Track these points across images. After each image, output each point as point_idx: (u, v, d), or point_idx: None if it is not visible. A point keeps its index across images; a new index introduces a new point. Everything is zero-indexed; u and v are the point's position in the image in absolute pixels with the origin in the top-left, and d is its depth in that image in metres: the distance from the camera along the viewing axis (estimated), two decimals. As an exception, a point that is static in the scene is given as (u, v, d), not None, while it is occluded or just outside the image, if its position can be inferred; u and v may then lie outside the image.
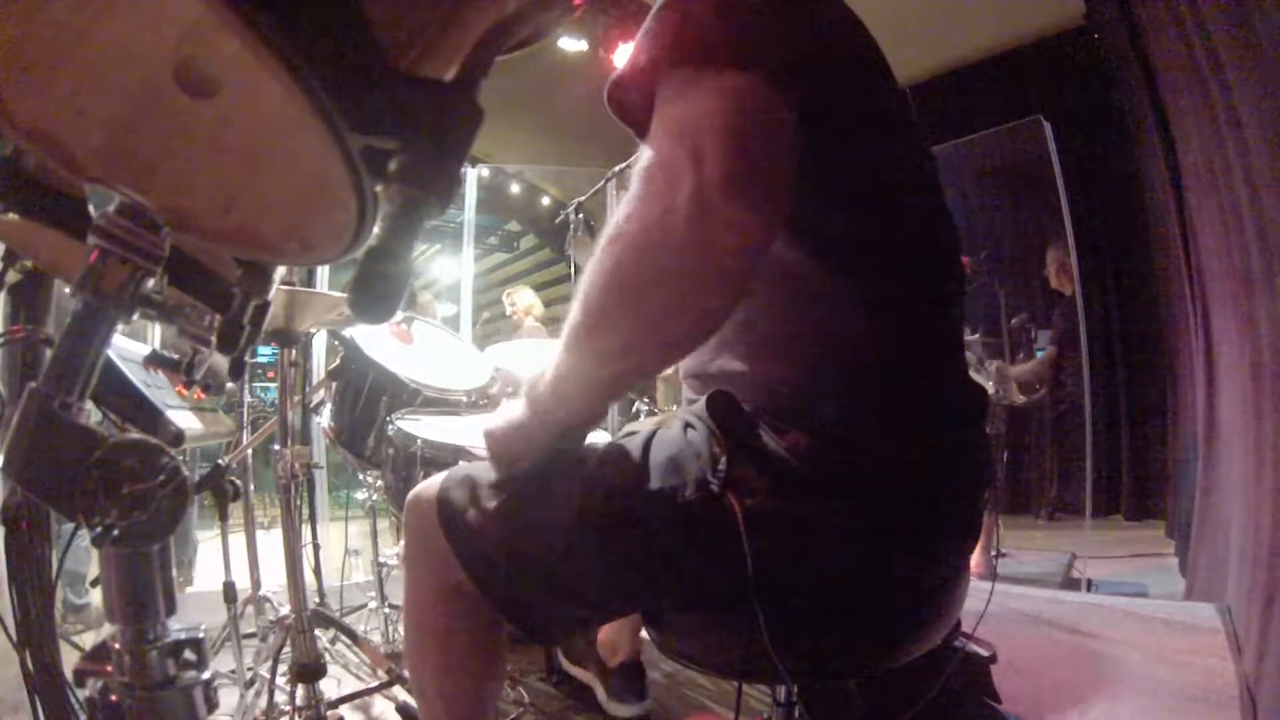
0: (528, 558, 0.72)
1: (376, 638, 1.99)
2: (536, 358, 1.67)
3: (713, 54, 0.61)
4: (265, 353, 3.52)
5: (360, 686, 1.68)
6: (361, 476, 2.15)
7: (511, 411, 0.73)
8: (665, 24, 0.63)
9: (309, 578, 2.07)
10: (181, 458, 0.45)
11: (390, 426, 1.51)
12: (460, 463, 1.13)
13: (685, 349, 0.66)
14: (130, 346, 0.96)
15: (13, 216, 0.58)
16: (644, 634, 1.51)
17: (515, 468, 0.74)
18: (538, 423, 0.71)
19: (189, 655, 0.49)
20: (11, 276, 0.78)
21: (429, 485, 0.81)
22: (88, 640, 1.67)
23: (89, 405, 0.43)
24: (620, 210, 0.61)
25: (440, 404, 1.74)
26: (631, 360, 0.64)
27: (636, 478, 0.69)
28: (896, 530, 0.67)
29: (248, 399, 2.38)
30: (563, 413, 0.69)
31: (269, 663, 1.51)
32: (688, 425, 0.71)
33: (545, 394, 0.69)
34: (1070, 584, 2.81)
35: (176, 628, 0.50)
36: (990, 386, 3.01)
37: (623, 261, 0.60)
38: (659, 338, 0.62)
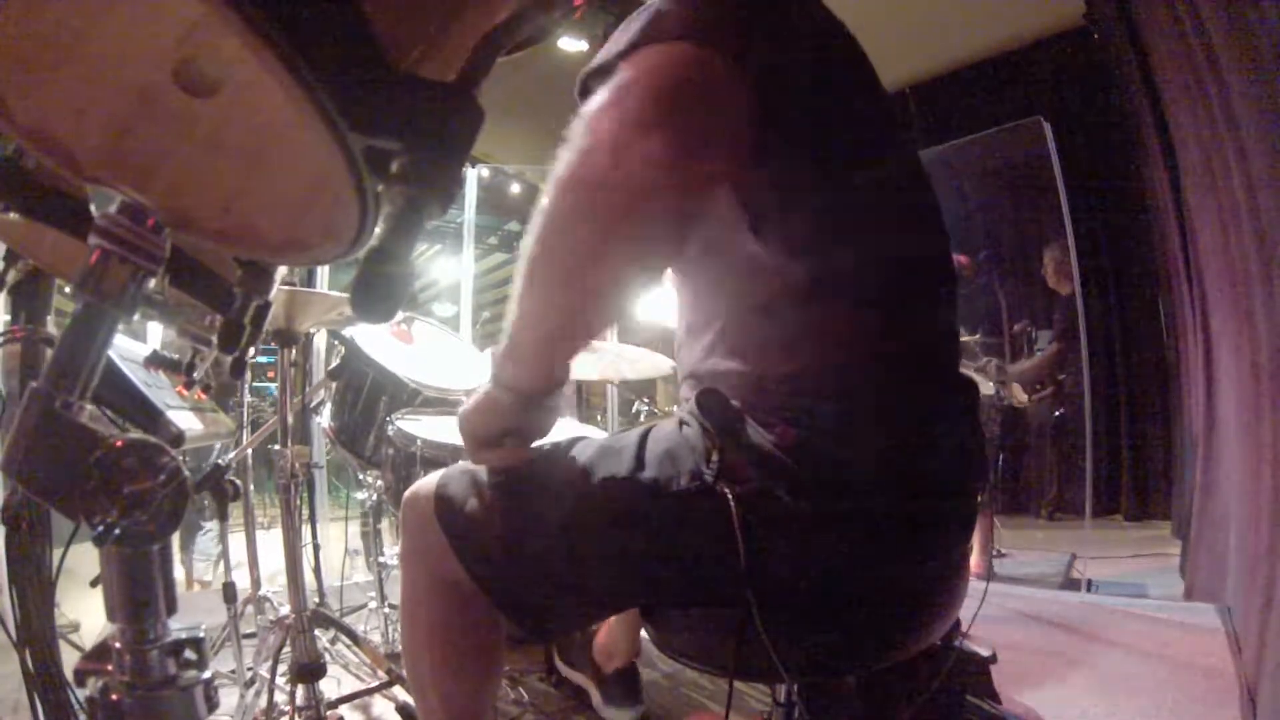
0: (525, 552, 0.73)
1: (376, 638, 1.99)
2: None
3: (669, 32, 0.62)
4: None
5: (360, 686, 1.67)
6: (361, 477, 2.15)
7: (478, 390, 0.73)
8: (637, 24, 0.64)
9: (309, 578, 2.07)
10: (182, 457, 0.46)
11: (390, 426, 1.51)
12: (459, 461, 1.14)
13: (610, 300, 0.66)
14: (131, 346, 0.96)
15: (13, 216, 0.58)
16: (643, 635, 1.51)
17: (489, 448, 0.73)
18: (501, 393, 0.70)
19: (189, 655, 0.49)
20: (12, 276, 0.79)
21: (426, 482, 0.81)
22: (88, 639, 1.67)
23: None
24: (557, 160, 0.63)
25: (440, 404, 1.74)
26: (561, 313, 0.65)
27: (633, 470, 0.70)
28: (887, 528, 0.68)
29: (248, 398, 2.38)
30: (519, 379, 0.69)
31: (269, 663, 1.51)
32: (683, 422, 0.72)
33: (502, 363, 0.70)
34: (1070, 584, 2.81)
35: (177, 627, 0.50)
36: (989, 386, 3.01)
37: (550, 207, 0.62)
38: (582, 286, 0.63)
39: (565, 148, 0.62)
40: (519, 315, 0.67)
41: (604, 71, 0.64)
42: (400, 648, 1.11)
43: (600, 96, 0.61)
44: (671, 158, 0.58)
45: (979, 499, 0.78)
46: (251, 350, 0.57)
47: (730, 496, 0.64)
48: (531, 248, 0.63)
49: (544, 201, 0.62)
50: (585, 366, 1.84)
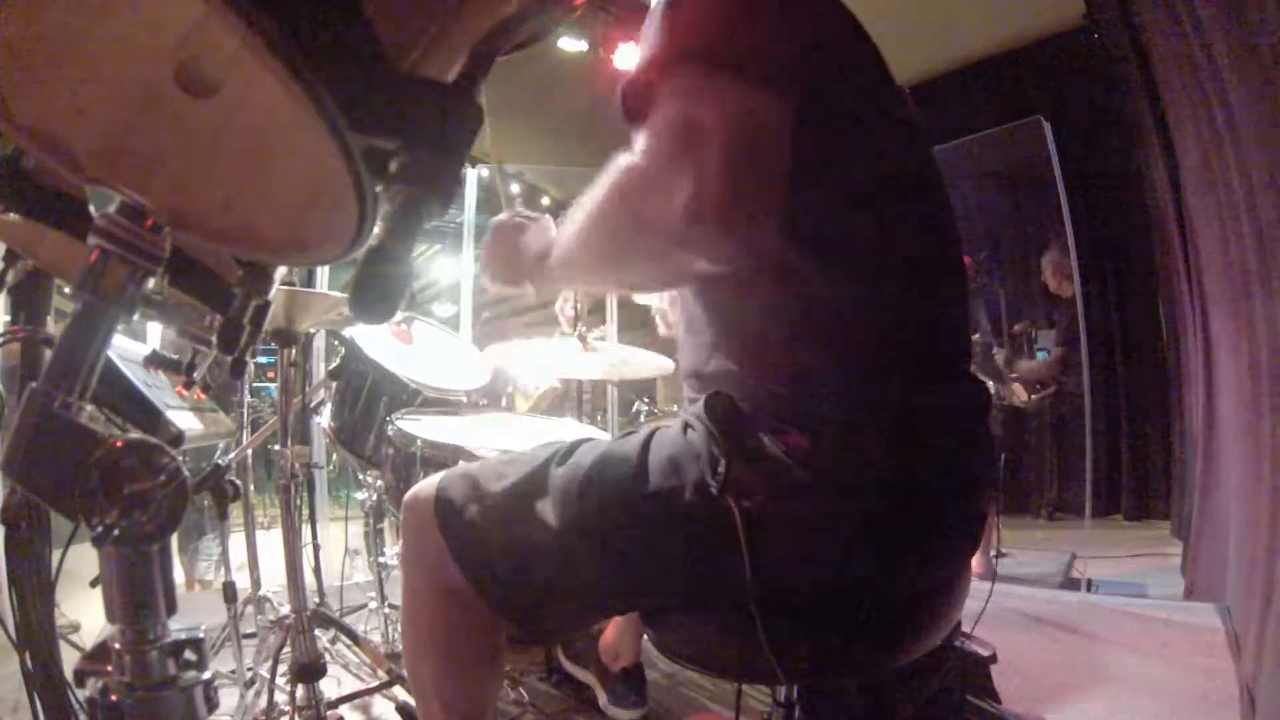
0: (525, 557, 0.72)
1: (376, 638, 1.99)
2: (534, 358, 1.67)
3: (712, 55, 0.61)
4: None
5: (360, 686, 1.67)
6: (361, 476, 2.15)
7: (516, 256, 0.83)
8: (667, 24, 0.64)
9: (309, 578, 2.07)
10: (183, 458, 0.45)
11: (390, 426, 1.51)
12: (460, 462, 1.14)
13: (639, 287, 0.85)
14: (130, 346, 0.96)
15: (13, 216, 0.58)
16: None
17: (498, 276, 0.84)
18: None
19: (189, 655, 0.49)
20: (12, 276, 0.78)
21: (426, 485, 0.81)
22: (88, 639, 1.67)
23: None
24: (612, 185, 0.64)
25: (440, 404, 1.74)
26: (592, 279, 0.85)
27: (636, 478, 0.69)
28: (896, 532, 0.67)
29: (248, 398, 2.38)
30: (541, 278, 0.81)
31: (269, 663, 1.51)
32: (687, 426, 0.71)
33: (535, 266, 0.81)
34: (1070, 584, 2.81)
35: (177, 628, 0.50)
36: (990, 385, 3.02)
37: (611, 234, 0.67)
38: (621, 275, 0.77)
39: (632, 171, 0.63)
40: (558, 263, 0.76)
41: (646, 83, 0.64)
42: (400, 647, 1.11)
43: (670, 141, 0.61)
44: (741, 239, 0.60)
45: (987, 504, 0.77)
46: (251, 350, 0.57)
47: (736, 511, 0.64)
48: (581, 242, 0.70)
49: (604, 205, 0.65)
50: (585, 366, 1.84)
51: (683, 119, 0.61)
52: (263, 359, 3.51)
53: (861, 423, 0.67)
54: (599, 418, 3.91)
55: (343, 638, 1.77)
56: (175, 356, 0.83)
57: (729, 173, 0.58)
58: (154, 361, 0.88)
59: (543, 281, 0.81)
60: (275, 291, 0.56)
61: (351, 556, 2.60)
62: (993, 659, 1.46)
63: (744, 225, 0.59)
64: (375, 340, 1.75)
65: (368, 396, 1.72)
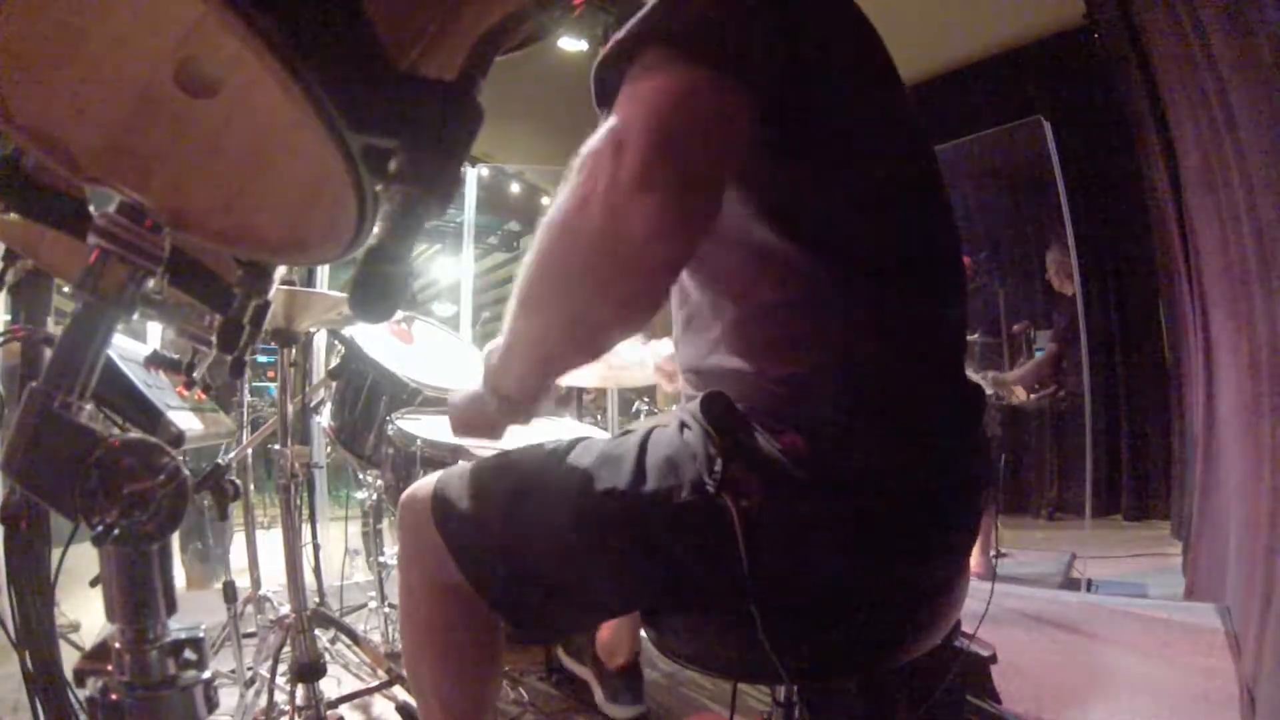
0: (524, 557, 0.72)
1: (376, 638, 1.99)
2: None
3: (672, 44, 0.61)
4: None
5: (360, 686, 1.67)
6: (361, 476, 2.15)
7: (473, 383, 0.76)
8: (659, 10, 0.64)
9: (309, 577, 2.07)
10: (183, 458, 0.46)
11: (390, 426, 1.51)
12: (460, 462, 1.14)
13: (611, 334, 0.66)
14: (130, 346, 0.96)
15: (13, 216, 0.58)
16: (643, 634, 1.51)
17: (472, 434, 0.77)
18: (489, 394, 0.73)
19: (189, 655, 0.49)
20: (12, 276, 0.79)
21: (424, 484, 0.81)
22: (88, 639, 1.67)
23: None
24: (558, 194, 0.63)
25: (440, 403, 1.74)
26: (560, 343, 0.67)
27: (633, 478, 0.69)
28: (893, 530, 0.67)
29: (248, 398, 2.38)
30: (508, 387, 0.72)
31: (269, 662, 1.51)
32: (684, 425, 0.71)
33: (495, 367, 0.72)
34: (1070, 584, 2.81)
35: (176, 627, 0.50)
36: (989, 385, 3.02)
37: (549, 247, 0.63)
38: (583, 323, 0.64)
39: (567, 186, 0.61)
40: (512, 335, 0.68)
41: (617, 62, 0.63)
42: (400, 647, 1.11)
43: (601, 136, 0.60)
44: (672, 217, 0.58)
45: (985, 504, 0.77)
46: (251, 350, 0.57)
47: (734, 509, 0.64)
48: (529, 279, 0.64)
49: (544, 235, 0.62)
50: (586, 374, 1.84)
51: (618, 110, 0.61)
52: (263, 359, 3.51)
53: (859, 423, 0.67)
54: (599, 417, 3.91)
55: (343, 637, 1.77)
56: (175, 356, 0.83)
57: (648, 150, 0.57)
58: (154, 361, 0.88)
59: (496, 366, 0.72)
60: (275, 291, 0.56)
61: (351, 556, 2.60)
62: (993, 659, 1.46)
63: (669, 207, 0.57)
64: (375, 340, 1.75)
65: (368, 396, 1.72)
